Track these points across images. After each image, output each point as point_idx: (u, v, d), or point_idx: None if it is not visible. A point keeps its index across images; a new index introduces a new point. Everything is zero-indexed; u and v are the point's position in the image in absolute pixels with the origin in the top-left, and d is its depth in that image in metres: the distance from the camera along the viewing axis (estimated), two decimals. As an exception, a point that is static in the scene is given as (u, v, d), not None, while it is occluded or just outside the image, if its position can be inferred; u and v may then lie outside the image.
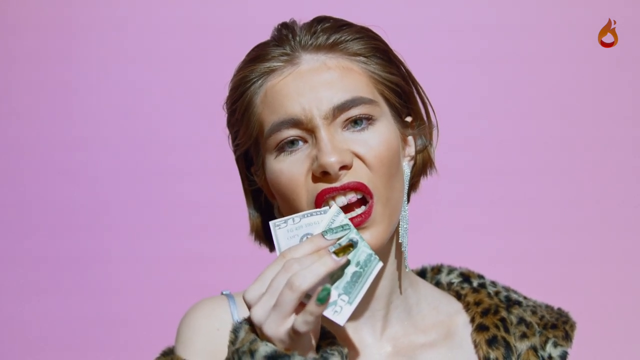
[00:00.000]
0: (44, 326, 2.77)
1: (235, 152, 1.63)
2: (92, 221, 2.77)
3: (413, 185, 1.66)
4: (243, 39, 2.48)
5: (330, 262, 1.38)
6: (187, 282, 2.74)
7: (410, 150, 1.62)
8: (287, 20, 1.61)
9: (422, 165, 1.65)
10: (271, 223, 1.46)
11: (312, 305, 1.35)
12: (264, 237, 1.67)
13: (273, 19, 1.65)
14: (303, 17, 1.64)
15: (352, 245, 1.42)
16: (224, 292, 1.64)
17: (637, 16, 2.73)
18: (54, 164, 2.77)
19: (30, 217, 2.78)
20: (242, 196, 1.68)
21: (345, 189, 1.50)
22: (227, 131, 1.64)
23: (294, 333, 1.36)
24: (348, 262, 1.41)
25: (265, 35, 1.62)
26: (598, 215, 2.78)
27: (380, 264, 1.42)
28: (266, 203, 1.65)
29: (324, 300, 1.35)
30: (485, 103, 2.78)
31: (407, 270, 1.61)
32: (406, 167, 1.61)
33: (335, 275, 1.41)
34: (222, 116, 1.64)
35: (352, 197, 1.51)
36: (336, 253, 1.39)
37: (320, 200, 1.50)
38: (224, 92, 1.63)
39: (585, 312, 2.67)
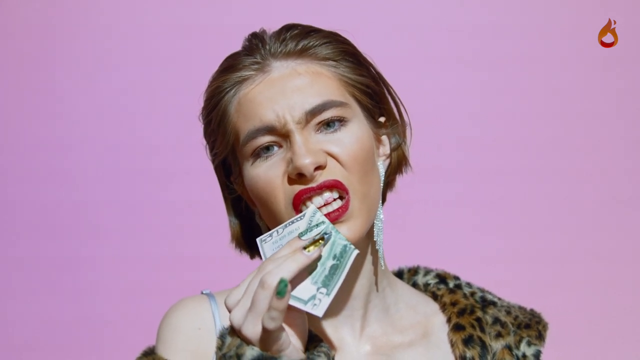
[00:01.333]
0: (26, 327, 2.78)
1: (213, 161, 1.67)
2: (75, 223, 2.78)
3: (389, 183, 1.68)
4: (226, 42, 2.51)
5: (301, 257, 1.42)
6: (168, 282, 2.74)
7: (385, 149, 1.65)
8: (258, 29, 1.65)
9: (397, 164, 1.68)
10: (258, 240, 1.51)
11: (274, 301, 1.38)
12: (245, 244, 1.71)
13: (256, 21, 1.68)
14: (284, 20, 1.66)
15: (322, 238, 1.45)
16: (204, 292, 1.67)
17: (637, 16, 2.73)
18: (39, 166, 2.79)
19: (14, 219, 2.80)
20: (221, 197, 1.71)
21: (321, 188, 1.53)
22: (204, 141, 1.67)
23: (263, 331, 1.39)
24: (320, 256, 1.44)
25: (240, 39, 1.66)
26: (595, 216, 2.78)
27: (356, 252, 1.46)
28: (247, 210, 1.68)
29: (283, 293, 1.37)
30: (482, 103, 2.78)
31: (382, 268, 1.64)
32: (381, 166, 1.63)
33: (312, 271, 1.44)
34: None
35: (329, 196, 1.54)
36: (306, 247, 1.43)
37: (298, 202, 1.53)
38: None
39: (572, 311, 2.67)
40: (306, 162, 1.51)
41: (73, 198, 2.79)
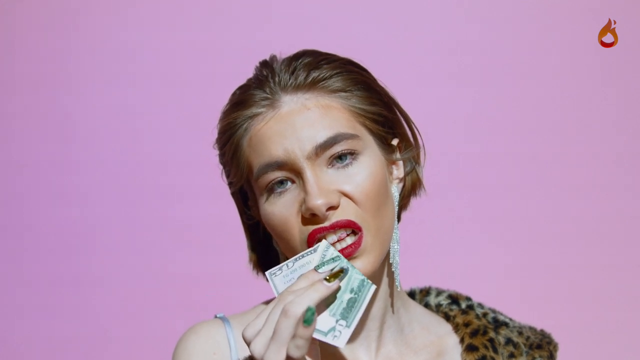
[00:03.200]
0: (34, 346, 2.78)
1: (230, 188, 1.69)
2: (83, 241, 2.77)
3: (403, 205, 1.70)
4: (237, 60, 2.51)
5: (322, 288, 1.44)
6: (182, 302, 2.75)
7: (399, 172, 1.66)
8: (269, 56, 1.65)
9: (411, 187, 1.69)
10: (267, 273, 1.52)
11: (300, 329, 1.40)
12: (263, 268, 1.72)
13: (265, 41, 1.68)
14: (292, 37, 1.66)
15: (342, 270, 1.48)
16: (218, 315, 1.68)
17: (637, 16, 2.72)
18: (48, 183, 2.78)
19: (22, 237, 2.80)
20: (232, 215, 1.72)
21: (334, 228, 1.54)
22: (220, 167, 1.69)
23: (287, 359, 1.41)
24: (339, 287, 1.47)
25: (259, 56, 1.66)
26: (604, 228, 2.78)
27: (374, 287, 1.48)
28: (264, 234, 1.69)
29: (310, 322, 1.40)
30: (478, 109, 2.78)
31: (398, 289, 1.65)
32: (395, 190, 1.64)
33: (331, 303, 1.47)
34: (214, 136, 1.67)
35: (342, 233, 1.55)
36: (327, 279, 1.45)
37: (312, 241, 1.55)
38: (216, 112, 1.67)
39: (583, 325, 2.69)
40: (318, 203, 1.52)
41: (84, 216, 2.78)
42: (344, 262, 1.49)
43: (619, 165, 2.77)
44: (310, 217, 1.54)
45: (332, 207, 1.54)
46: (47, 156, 2.78)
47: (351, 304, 1.46)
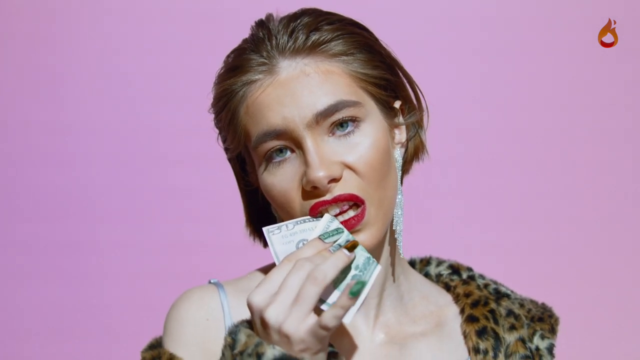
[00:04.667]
0: (31, 312, 2.77)
1: (226, 153, 1.64)
2: (79, 208, 2.77)
3: (406, 170, 1.65)
4: (228, 26, 2.48)
5: (344, 256, 1.41)
6: (174, 268, 2.73)
7: (401, 136, 1.61)
8: (265, 15, 1.59)
9: (414, 151, 1.64)
10: (265, 229, 1.49)
11: (343, 299, 1.37)
12: (260, 234, 1.68)
13: (258, 6, 1.64)
14: (293, 4, 1.63)
15: (355, 243, 1.45)
16: (212, 281, 1.63)
17: (637, 16, 2.73)
18: (44, 151, 2.77)
19: (17, 203, 2.78)
20: (230, 184, 1.68)
21: (336, 201, 1.50)
22: (216, 130, 1.64)
23: (322, 329, 1.38)
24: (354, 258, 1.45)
25: (249, 22, 1.61)
26: (595, 208, 2.77)
27: (379, 267, 1.46)
28: (263, 199, 1.64)
29: (357, 294, 1.37)
30: (481, 99, 2.78)
31: (402, 256, 1.62)
32: (398, 154, 1.59)
33: (337, 279, 1.43)
34: (209, 102, 1.63)
35: (345, 206, 1.50)
36: (347, 248, 1.43)
37: (314, 213, 1.50)
38: (210, 80, 1.62)
39: (573, 305, 2.66)
40: (320, 175, 1.47)
41: (78, 183, 2.76)
42: (350, 236, 1.47)
43: (620, 165, 2.76)
44: (311, 189, 1.49)
45: (334, 180, 1.49)
46: (42, 123, 2.77)
47: (357, 280, 1.42)
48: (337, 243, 1.45)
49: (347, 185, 1.50)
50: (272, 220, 1.63)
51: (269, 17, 1.58)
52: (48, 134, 2.77)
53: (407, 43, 2.61)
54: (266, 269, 1.65)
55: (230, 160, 1.65)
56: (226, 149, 1.63)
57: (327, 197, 1.49)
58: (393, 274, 1.63)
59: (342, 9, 1.63)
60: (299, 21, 1.54)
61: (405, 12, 2.74)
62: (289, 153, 1.52)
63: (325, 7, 1.61)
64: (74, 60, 2.76)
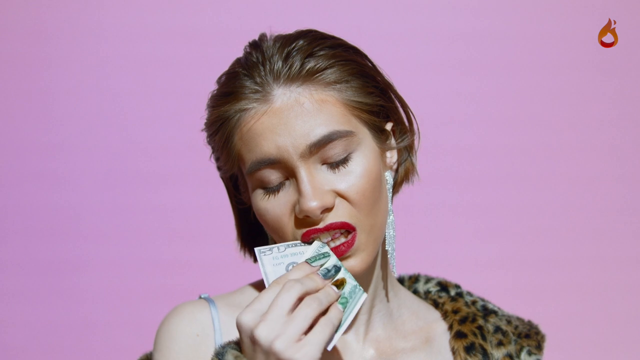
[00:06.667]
0: (21, 330, 2.77)
1: (219, 171, 1.65)
2: (68, 226, 2.76)
3: (396, 191, 1.66)
4: (222, 44, 2.48)
5: (333, 293, 1.46)
6: (165, 287, 2.73)
7: (392, 159, 1.62)
8: (258, 35, 1.59)
9: (405, 174, 1.65)
10: (256, 250, 1.51)
11: (335, 309, 1.44)
12: (251, 250, 1.69)
13: (252, 23, 1.64)
14: (286, 22, 1.62)
15: (344, 280, 1.48)
16: (202, 296, 1.64)
17: (637, 16, 2.72)
18: (34, 169, 2.77)
19: (5, 222, 2.78)
20: (220, 202, 1.69)
21: (328, 229, 1.52)
22: (208, 147, 1.64)
23: (323, 344, 1.42)
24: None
25: (245, 39, 1.60)
26: (593, 221, 2.77)
27: (365, 295, 1.48)
28: (255, 218, 1.65)
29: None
30: (478, 108, 2.77)
31: (395, 275, 1.64)
32: (389, 176, 1.60)
33: None
34: (201, 122, 1.63)
35: (336, 233, 1.52)
36: (335, 285, 1.47)
37: (306, 240, 1.53)
38: (200, 99, 1.63)
39: (569, 317, 2.67)
40: (313, 205, 1.49)
41: (69, 201, 2.77)
42: (338, 262, 1.49)
43: (619, 166, 2.76)
44: (304, 218, 1.51)
45: (327, 210, 1.51)
46: (32, 140, 2.77)
47: (342, 306, 1.46)
48: (324, 267, 1.48)
49: (339, 214, 1.52)
50: (263, 236, 1.66)
51: (263, 37, 1.58)
52: (36, 152, 2.76)
53: (399, 61, 2.62)
54: (258, 284, 1.66)
55: (223, 178, 1.66)
56: (219, 168, 1.64)
57: (320, 225, 1.51)
58: (386, 294, 1.65)
59: (334, 29, 1.63)
60: (293, 45, 1.54)
61: (399, 31, 2.73)
62: (282, 181, 1.53)
63: (315, 26, 1.61)
64: (63, 79, 2.76)
